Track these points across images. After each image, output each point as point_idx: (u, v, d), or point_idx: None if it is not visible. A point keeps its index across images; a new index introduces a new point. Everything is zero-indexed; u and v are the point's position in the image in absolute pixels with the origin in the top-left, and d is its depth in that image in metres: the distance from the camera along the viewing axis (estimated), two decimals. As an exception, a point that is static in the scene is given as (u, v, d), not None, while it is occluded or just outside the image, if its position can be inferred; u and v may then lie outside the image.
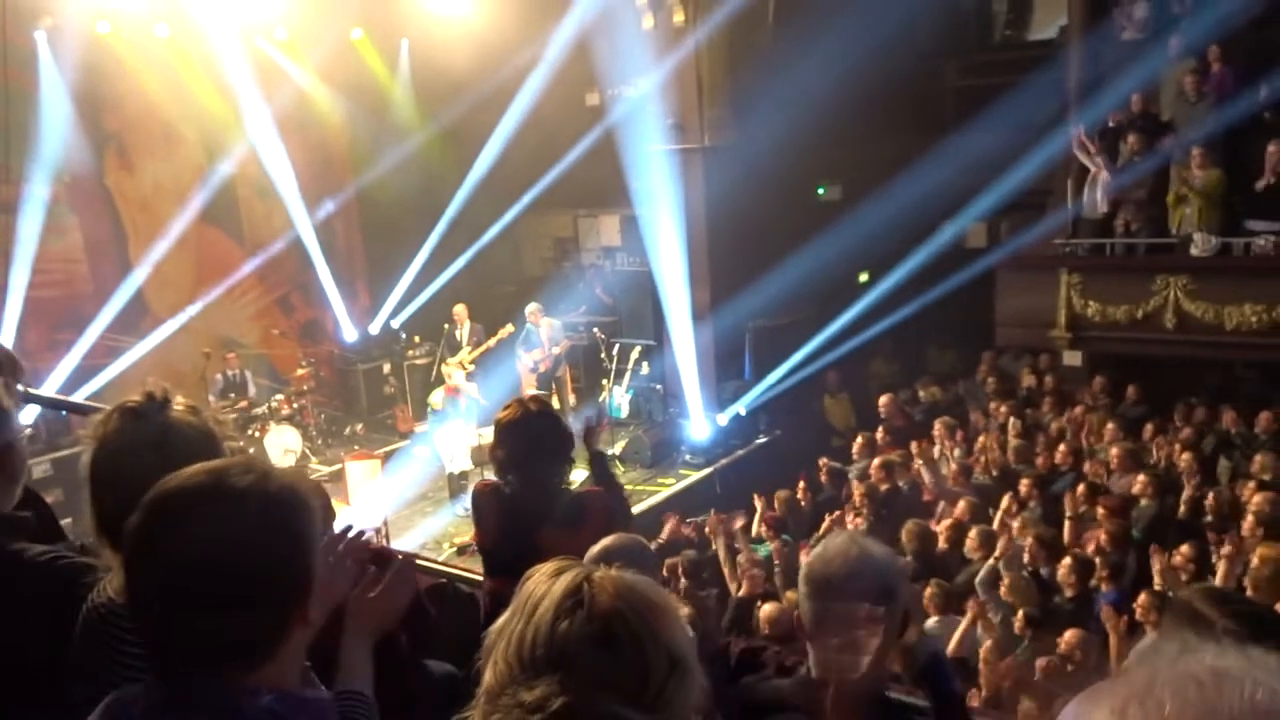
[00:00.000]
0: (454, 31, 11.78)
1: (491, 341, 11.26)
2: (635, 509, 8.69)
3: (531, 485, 3.14)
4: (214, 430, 1.66)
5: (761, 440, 11.28)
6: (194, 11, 10.41)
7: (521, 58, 11.65)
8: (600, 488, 3.57)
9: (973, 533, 6.95)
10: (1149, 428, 8.71)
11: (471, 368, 11.18)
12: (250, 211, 12.25)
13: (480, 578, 3.33)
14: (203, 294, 11.49)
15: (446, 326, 11.91)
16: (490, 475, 3.46)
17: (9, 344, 9.29)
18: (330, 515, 1.57)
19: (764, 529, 8.09)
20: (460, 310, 11.61)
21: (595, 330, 12.19)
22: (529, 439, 3.12)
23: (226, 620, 1.22)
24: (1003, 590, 6.04)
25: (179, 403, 1.68)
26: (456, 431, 10.37)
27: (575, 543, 2.66)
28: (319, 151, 12.76)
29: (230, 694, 1.23)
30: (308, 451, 11.04)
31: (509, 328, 11.41)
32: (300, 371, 11.71)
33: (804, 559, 2.80)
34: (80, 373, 10.35)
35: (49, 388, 10.04)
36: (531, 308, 11.53)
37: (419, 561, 3.38)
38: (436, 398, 10.97)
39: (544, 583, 1.12)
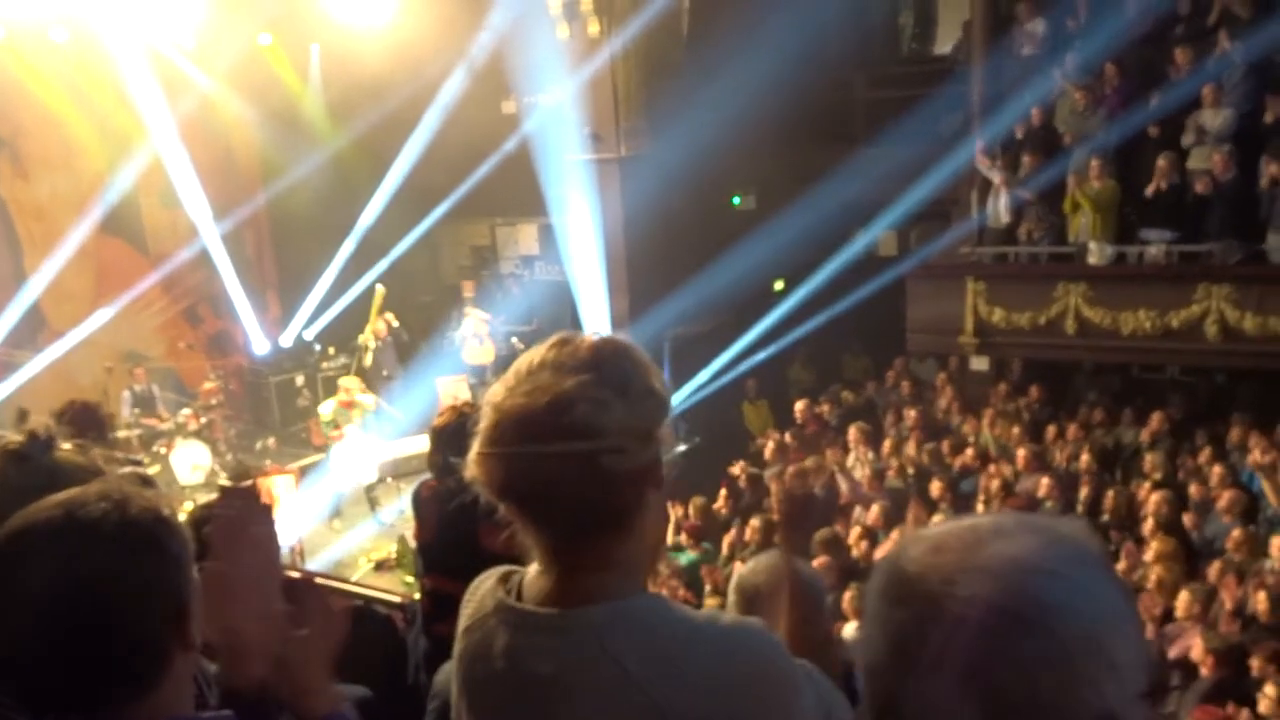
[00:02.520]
0: (366, 38, 11.60)
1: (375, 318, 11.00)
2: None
3: (471, 485, 3.14)
4: (104, 470, 1.61)
5: (680, 448, 11.35)
6: (94, 17, 10.06)
7: (436, 65, 11.54)
8: None
9: (895, 535, 7.13)
10: (1052, 430, 9.04)
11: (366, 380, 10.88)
12: (154, 221, 11.88)
13: (397, 599, 3.31)
14: (104, 306, 11.10)
15: (361, 339, 11.75)
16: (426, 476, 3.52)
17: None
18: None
19: (684, 537, 8.17)
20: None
21: (514, 340, 12.13)
22: (465, 445, 3.12)
23: (99, 654, 1.19)
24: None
25: (65, 442, 1.62)
26: (357, 443, 10.15)
27: (513, 540, 2.68)
28: (226, 159, 12.44)
29: None
30: (217, 467, 10.72)
31: (380, 290, 11.26)
32: (208, 385, 11.38)
33: (736, 568, 2.87)
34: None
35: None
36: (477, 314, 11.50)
37: (334, 584, 3.35)
38: (327, 409, 10.38)
39: (538, 344, 1.23)
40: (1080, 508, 7.41)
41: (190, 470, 10.34)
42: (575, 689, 1.17)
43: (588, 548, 1.20)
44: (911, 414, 9.72)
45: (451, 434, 3.16)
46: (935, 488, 8.03)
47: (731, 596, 1.98)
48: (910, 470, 8.73)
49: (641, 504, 1.21)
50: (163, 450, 10.32)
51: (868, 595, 0.89)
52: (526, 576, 1.27)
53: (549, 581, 1.23)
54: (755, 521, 7.94)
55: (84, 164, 11.12)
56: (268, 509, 1.68)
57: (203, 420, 10.89)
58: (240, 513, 1.63)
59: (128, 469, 4.02)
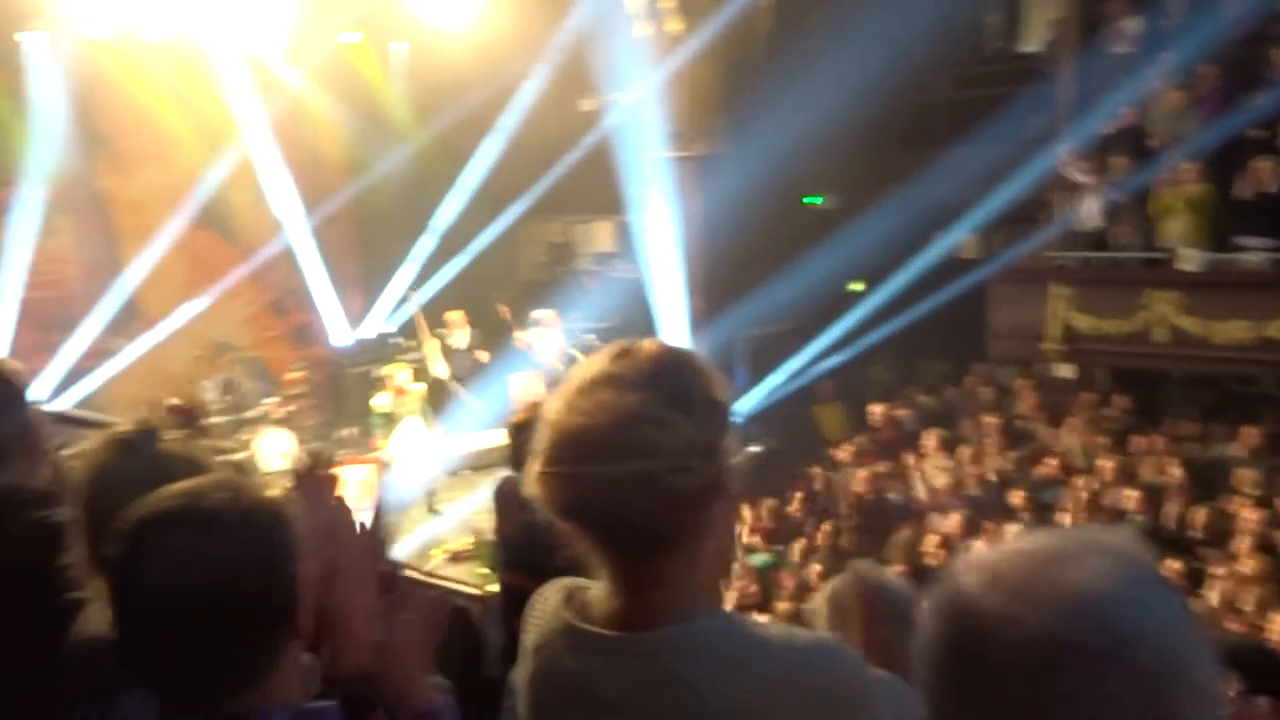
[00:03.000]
0: (449, 37, 11.78)
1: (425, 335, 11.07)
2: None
3: None
4: (205, 461, 1.66)
5: (754, 449, 11.30)
6: (192, 20, 10.40)
7: (517, 63, 11.67)
8: None
9: (975, 544, 7.00)
10: (1138, 441, 8.76)
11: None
12: (244, 215, 12.23)
13: (473, 590, 3.36)
14: (196, 297, 11.47)
15: (440, 331, 11.91)
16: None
17: (5, 344, 9.31)
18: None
19: (758, 539, 8.13)
20: (455, 317, 11.60)
21: (588, 337, 12.18)
22: None
23: (217, 641, 1.22)
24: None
25: (171, 433, 1.68)
26: (415, 434, 10.32)
27: None
28: (313, 156, 12.75)
29: (237, 715, 1.24)
30: (301, 455, 11.00)
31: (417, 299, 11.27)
32: (293, 375, 11.69)
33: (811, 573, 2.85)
34: (72, 375, 10.33)
35: (41, 389, 10.03)
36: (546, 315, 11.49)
37: (413, 574, 3.42)
38: (383, 401, 10.57)
39: (595, 355, 1.21)
40: (1171, 523, 7.17)
41: (275, 457, 10.62)
42: (645, 714, 1.15)
43: (654, 568, 1.17)
44: (992, 421, 9.50)
45: (528, 431, 3.18)
46: (1016, 497, 7.86)
47: (823, 608, 1.96)
48: (990, 478, 8.54)
49: (708, 521, 1.18)
50: (248, 437, 10.62)
51: (926, 617, 0.86)
52: (593, 594, 1.25)
53: (616, 603, 1.21)
54: (826, 526, 7.89)
55: (179, 160, 11.49)
56: (341, 499, 1.73)
57: (287, 409, 11.20)
58: (322, 500, 1.68)
59: (220, 459, 4.15)
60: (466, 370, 11.41)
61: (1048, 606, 0.78)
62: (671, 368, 1.17)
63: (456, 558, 8.74)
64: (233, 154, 11.33)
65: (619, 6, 10.55)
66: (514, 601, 3.08)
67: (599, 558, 1.20)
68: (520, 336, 11.54)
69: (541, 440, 1.17)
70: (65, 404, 10.15)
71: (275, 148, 11.52)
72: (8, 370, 2.05)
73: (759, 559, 7.90)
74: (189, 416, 3.36)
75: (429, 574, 4.26)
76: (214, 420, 10.49)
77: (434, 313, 12.38)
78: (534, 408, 3.28)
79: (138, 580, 1.22)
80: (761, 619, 5.42)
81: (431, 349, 10.90)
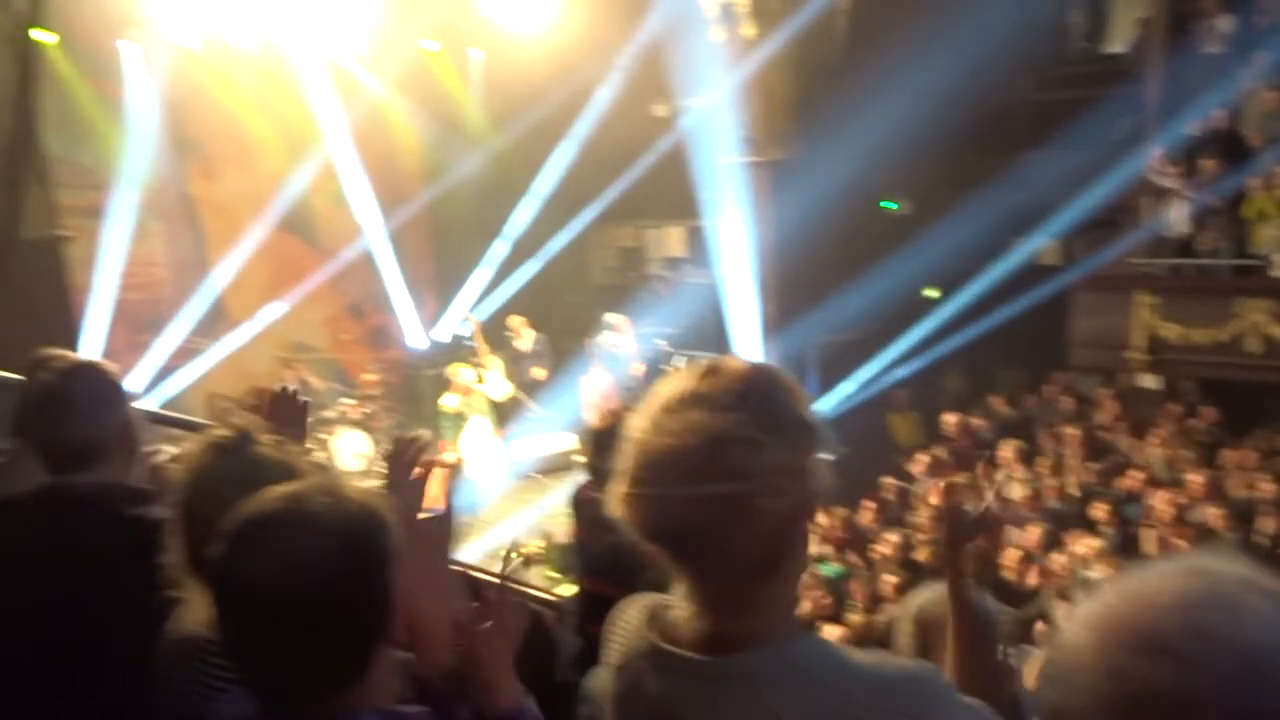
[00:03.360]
0: (525, 43, 11.90)
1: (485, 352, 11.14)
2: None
3: None
4: (298, 465, 1.70)
5: (826, 457, 11.17)
6: (277, 28, 10.69)
7: (591, 69, 11.76)
8: None
9: (1056, 556, 6.83)
10: (1229, 455, 8.45)
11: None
12: (325, 220, 12.53)
13: (548, 595, 3.38)
14: (278, 299, 11.77)
15: (507, 334, 12.07)
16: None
17: (100, 344, 9.64)
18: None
19: (829, 549, 8.03)
20: (517, 322, 11.75)
21: (659, 342, 12.19)
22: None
23: (314, 642, 1.24)
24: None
25: (265, 437, 1.72)
26: (479, 434, 10.47)
27: None
28: (391, 161, 13.00)
29: (330, 716, 1.26)
30: (376, 455, 11.21)
31: (475, 321, 11.28)
32: (369, 376, 11.92)
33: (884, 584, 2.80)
34: (161, 374, 10.69)
35: (132, 387, 10.39)
36: (618, 320, 11.55)
37: (487, 577, 3.45)
38: (451, 401, 10.77)
39: (680, 372, 1.21)
40: (1264, 540, 6.89)
41: (351, 457, 10.85)
42: None
43: (742, 590, 1.16)
44: (1072, 432, 9.25)
45: (607, 439, 3.21)
46: (1098, 511, 7.64)
47: (906, 625, 1.93)
48: (1071, 491, 8.32)
49: (796, 543, 1.17)
50: (326, 437, 10.86)
51: (1066, 684, 0.79)
52: (676, 614, 1.23)
53: (702, 625, 1.19)
54: (893, 536, 7.74)
55: (263, 164, 11.81)
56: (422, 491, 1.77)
57: (363, 410, 11.41)
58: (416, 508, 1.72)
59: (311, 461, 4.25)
60: (530, 380, 11.59)
61: (1224, 674, 0.71)
62: (761, 387, 1.15)
63: (528, 561, 8.80)
64: (314, 159, 11.60)
65: (694, 11, 10.54)
66: (593, 607, 3.10)
67: (684, 579, 1.18)
68: (594, 341, 11.64)
69: (626, 460, 1.16)
70: (153, 402, 10.52)
71: (355, 153, 11.77)
72: (109, 371, 2.13)
73: (830, 569, 7.80)
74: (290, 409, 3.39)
75: (503, 577, 4.28)
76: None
77: (505, 316, 12.57)
78: (613, 415, 3.29)
79: (238, 580, 1.25)
80: (833, 630, 5.35)
81: (493, 364, 11.07)
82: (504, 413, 12.06)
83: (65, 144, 8.76)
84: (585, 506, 3.40)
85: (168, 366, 10.72)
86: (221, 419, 1.75)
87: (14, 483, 2.16)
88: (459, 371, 10.69)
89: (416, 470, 1.94)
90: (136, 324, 10.82)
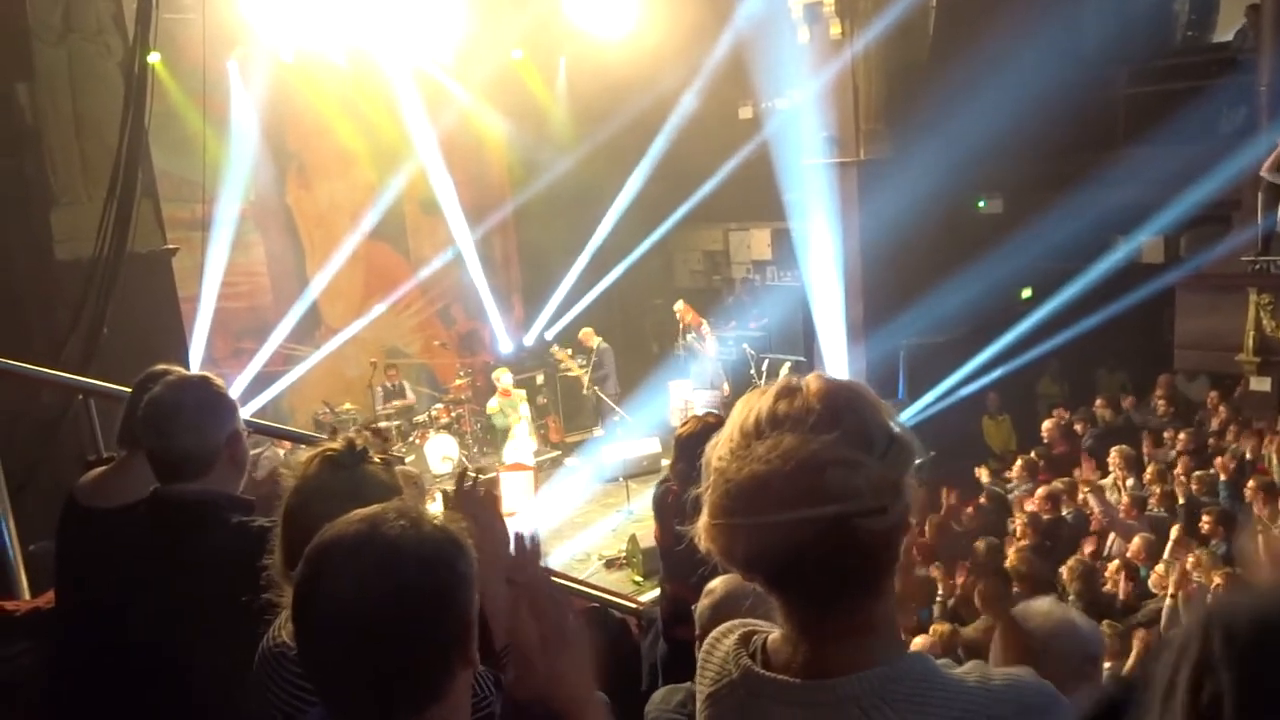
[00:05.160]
0: (610, 49, 11.98)
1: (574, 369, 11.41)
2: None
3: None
4: (403, 486, 1.71)
5: (916, 462, 10.94)
6: (368, 40, 10.96)
7: (676, 73, 11.76)
8: None
9: (1160, 568, 6.56)
10: (1349, 463, 7.99)
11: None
12: (416, 227, 12.81)
13: (632, 604, 3.38)
14: (371, 306, 12.07)
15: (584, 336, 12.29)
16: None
17: (200, 351, 10.01)
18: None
19: (916, 555, 7.86)
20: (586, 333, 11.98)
21: (744, 345, 12.14)
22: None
23: (389, 666, 1.25)
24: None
25: (376, 455, 1.74)
26: (521, 439, 10.71)
27: None
28: (480, 169, 13.22)
29: None
30: (464, 459, 11.41)
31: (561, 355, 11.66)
32: (458, 381, 12.14)
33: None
34: (260, 379, 11.06)
35: (233, 393, 10.77)
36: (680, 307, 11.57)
37: (572, 584, 3.48)
38: (493, 403, 11.10)
39: (755, 395, 1.15)
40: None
41: (440, 461, 11.07)
42: None
43: (843, 613, 1.12)
44: (1180, 436, 8.85)
45: (696, 443, 3.20)
46: (1206, 521, 7.28)
47: (998, 641, 1.88)
48: (1178, 499, 7.96)
49: (894, 560, 1.13)
50: (417, 441, 11.09)
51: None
52: (772, 639, 1.20)
53: (802, 648, 1.15)
54: (981, 544, 7.51)
55: (357, 174, 12.14)
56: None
57: (453, 414, 11.63)
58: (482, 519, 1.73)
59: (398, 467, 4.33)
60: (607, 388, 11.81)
61: None
62: (846, 404, 1.11)
63: (610, 564, 8.84)
64: (405, 168, 11.87)
65: (780, 12, 10.45)
66: (678, 611, 3.09)
67: (782, 604, 1.16)
68: (683, 344, 11.69)
69: (714, 491, 1.11)
70: (254, 408, 10.89)
71: (444, 161, 12.00)
72: (218, 385, 2.21)
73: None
74: (382, 439, 3.50)
75: (589, 585, 4.31)
76: (387, 424, 11.03)
77: (594, 320, 12.70)
78: (700, 421, 3.28)
79: (315, 602, 1.27)
80: (919, 640, 5.22)
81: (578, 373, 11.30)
82: (590, 418, 12.21)
83: (171, 159, 9.12)
84: (668, 509, 3.39)
85: (267, 373, 11.07)
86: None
87: (123, 489, 2.26)
88: (501, 376, 10.94)
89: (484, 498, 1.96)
90: (239, 332, 11.24)
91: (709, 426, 3.24)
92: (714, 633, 1.29)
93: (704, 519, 1.13)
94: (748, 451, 1.09)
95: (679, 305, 12.31)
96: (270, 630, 1.67)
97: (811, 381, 1.13)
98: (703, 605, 2.17)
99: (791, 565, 1.10)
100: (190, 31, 9.44)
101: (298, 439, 4.11)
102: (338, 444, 1.72)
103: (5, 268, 5.31)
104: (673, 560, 3.30)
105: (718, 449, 1.13)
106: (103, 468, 2.50)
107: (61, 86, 5.80)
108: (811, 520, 1.05)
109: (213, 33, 9.81)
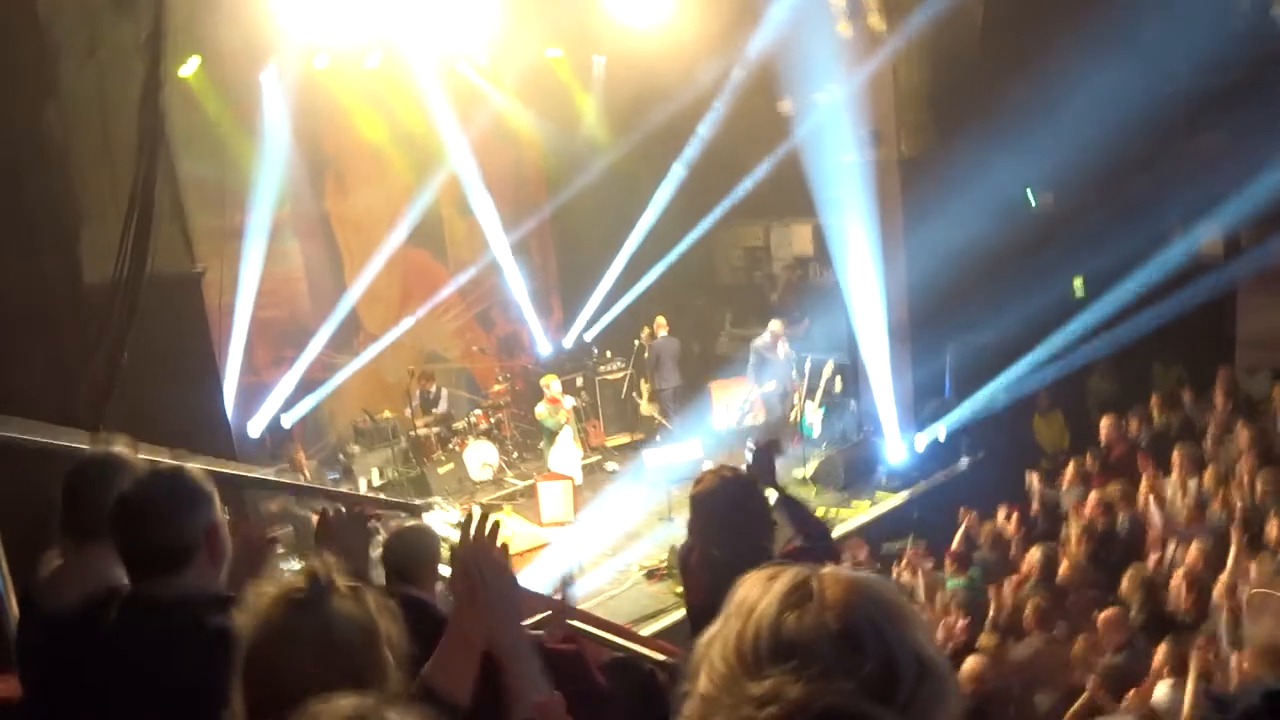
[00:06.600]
0: (647, 45, 11.76)
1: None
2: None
3: (738, 551, 3.08)
4: (376, 623, 1.56)
5: (964, 463, 10.67)
6: (400, 41, 10.87)
7: (714, 67, 11.54)
8: (797, 545, 3.46)
9: (1224, 578, 6.24)
10: None
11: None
12: (453, 231, 12.74)
13: (660, 656, 3.24)
14: (410, 312, 12.03)
15: (638, 342, 12.06)
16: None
17: (238, 362, 10.04)
18: None
19: (949, 563, 7.62)
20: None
21: (804, 356, 11.89)
22: (726, 511, 3.06)
23: None
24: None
25: (343, 584, 1.58)
26: (566, 445, 10.58)
27: None
28: (516, 170, 13.12)
29: None
30: (504, 465, 11.35)
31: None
32: (497, 387, 12.07)
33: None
34: (302, 387, 11.07)
35: (274, 402, 10.81)
36: (775, 327, 11.46)
37: (598, 633, 3.35)
38: (541, 409, 11.01)
39: (760, 584, 0.97)
40: None
41: (480, 467, 11.02)
42: None
43: None
44: (1244, 435, 8.44)
45: (713, 501, 3.07)
46: (1274, 528, 6.93)
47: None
48: (1239, 503, 7.59)
49: None
50: (456, 448, 11.04)
51: None
52: None
53: None
54: (1035, 553, 7.25)
55: (394, 179, 12.09)
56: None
57: (492, 420, 11.56)
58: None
59: (409, 521, 4.22)
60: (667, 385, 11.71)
61: None
62: (870, 623, 0.91)
63: (651, 575, 8.70)
64: (441, 172, 11.78)
65: (819, 4, 10.18)
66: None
67: None
68: (754, 346, 11.53)
69: None
70: (295, 416, 10.93)
71: (479, 164, 11.90)
72: (196, 476, 2.11)
73: (954, 583, 7.38)
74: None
75: (617, 631, 4.17)
76: (425, 432, 11.00)
77: (635, 320, 12.57)
78: (716, 476, 3.13)
79: None
80: (972, 662, 4.98)
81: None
82: (631, 421, 12.09)
83: (207, 168, 9.12)
84: (692, 571, 3.24)
85: (307, 381, 11.08)
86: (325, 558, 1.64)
87: (82, 584, 2.15)
88: (550, 383, 10.82)
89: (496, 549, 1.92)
90: (279, 340, 11.25)
91: (726, 482, 3.08)
92: None
93: None
94: (740, 692, 0.90)
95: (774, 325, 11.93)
96: None
97: (829, 586, 0.93)
98: None
99: None
100: (230, 40, 9.45)
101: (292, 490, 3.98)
102: (299, 580, 1.54)
103: (38, 288, 5.30)
104: (701, 621, 3.15)
105: (705, 667, 0.95)
106: (58, 563, 2.38)
107: (90, 106, 5.78)
108: None
109: (250, 41, 9.82)
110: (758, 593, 0.95)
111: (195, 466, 2.16)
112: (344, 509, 2.30)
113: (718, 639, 0.95)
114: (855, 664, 0.88)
